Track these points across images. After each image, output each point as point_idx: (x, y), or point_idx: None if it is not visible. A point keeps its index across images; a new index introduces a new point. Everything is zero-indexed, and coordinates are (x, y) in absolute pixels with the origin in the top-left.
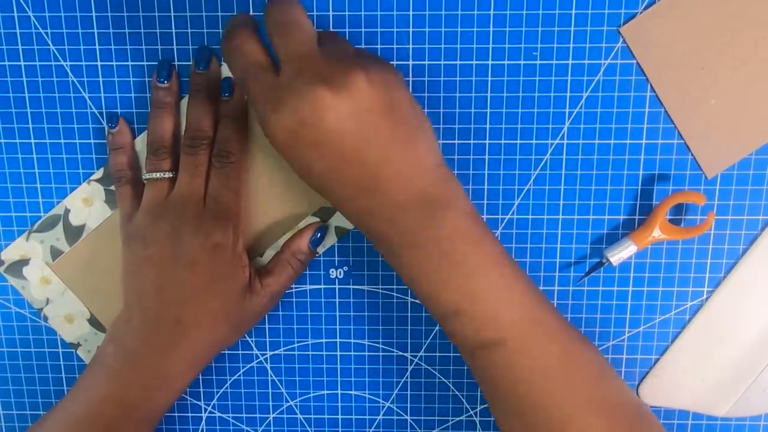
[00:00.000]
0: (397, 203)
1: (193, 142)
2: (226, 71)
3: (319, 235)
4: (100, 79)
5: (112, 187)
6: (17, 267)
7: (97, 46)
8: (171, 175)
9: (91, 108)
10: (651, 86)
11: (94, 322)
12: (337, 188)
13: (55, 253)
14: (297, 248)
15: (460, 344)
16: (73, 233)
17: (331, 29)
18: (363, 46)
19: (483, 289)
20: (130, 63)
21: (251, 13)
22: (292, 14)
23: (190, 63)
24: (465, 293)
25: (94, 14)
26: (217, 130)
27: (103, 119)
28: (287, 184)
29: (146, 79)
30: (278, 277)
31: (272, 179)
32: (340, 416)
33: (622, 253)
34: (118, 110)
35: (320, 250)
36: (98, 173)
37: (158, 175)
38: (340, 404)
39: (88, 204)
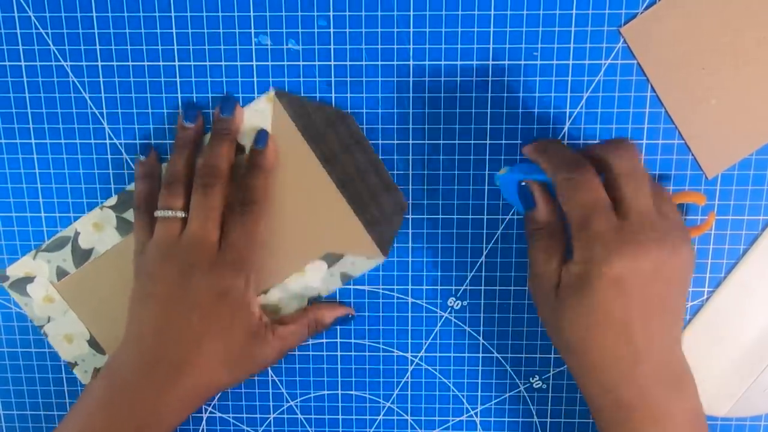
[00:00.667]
0: (649, 373)
1: (208, 180)
2: (258, 123)
3: (343, 318)
4: (101, 79)
5: (125, 215)
6: (22, 284)
7: (97, 46)
8: (183, 215)
9: (91, 108)
10: (651, 86)
11: (93, 343)
12: (623, 345)
13: (61, 273)
14: (321, 317)
15: None
16: (81, 255)
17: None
18: (363, 46)
19: None
20: (130, 63)
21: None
22: (641, 165)
23: (214, 110)
24: None
25: (94, 14)
26: (241, 176)
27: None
28: (296, 225)
29: (146, 79)
30: (291, 333)
31: (283, 220)
32: (340, 416)
33: None
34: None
35: (323, 294)
36: (112, 200)
37: (170, 213)
38: (340, 404)
39: (98, 229)
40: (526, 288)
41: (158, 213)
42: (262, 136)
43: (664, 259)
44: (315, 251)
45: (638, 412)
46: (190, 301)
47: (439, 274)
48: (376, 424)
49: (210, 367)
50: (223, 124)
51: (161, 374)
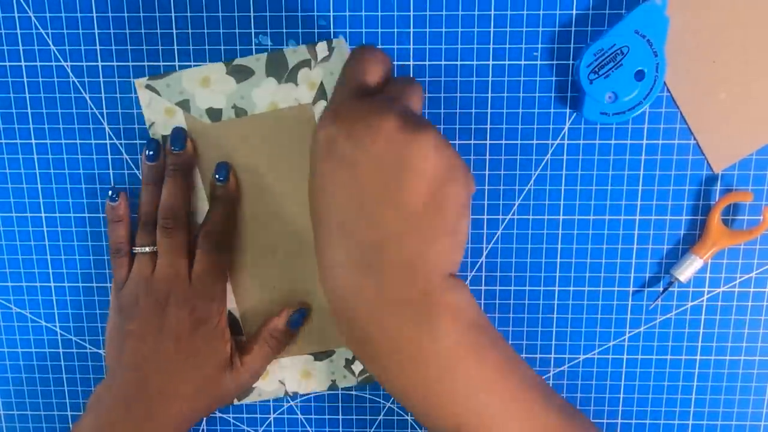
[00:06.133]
0: (395, 298)
1: (167, 222)
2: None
3: (297, 315)
4: (101, 79)
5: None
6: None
7: (98, 46)
8: (154, 249)
9: (91, 108)
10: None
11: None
12: (331, 229)
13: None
14: (274, 327)
15: None
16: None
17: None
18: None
19: (487, 404)
20: (130, 63)
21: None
22: (416, 82)
23: (167, 145)
24: (468, 408)
25: (94, 14)
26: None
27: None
28: (284, 274)
29: (146, 80)
30: (256, 356)
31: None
32: (340, 416)
33: (689, 270)
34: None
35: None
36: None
37: (146, 249)
38: (340, 404)
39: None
40: (526, 288)
41: (135, 249)
42: (221, 168)
43: (396, 132)
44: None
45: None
46: (166, 333)
47: None
48: (376, 424)
49: (187, 397)
50: (175, 159)
51: (144, 407)
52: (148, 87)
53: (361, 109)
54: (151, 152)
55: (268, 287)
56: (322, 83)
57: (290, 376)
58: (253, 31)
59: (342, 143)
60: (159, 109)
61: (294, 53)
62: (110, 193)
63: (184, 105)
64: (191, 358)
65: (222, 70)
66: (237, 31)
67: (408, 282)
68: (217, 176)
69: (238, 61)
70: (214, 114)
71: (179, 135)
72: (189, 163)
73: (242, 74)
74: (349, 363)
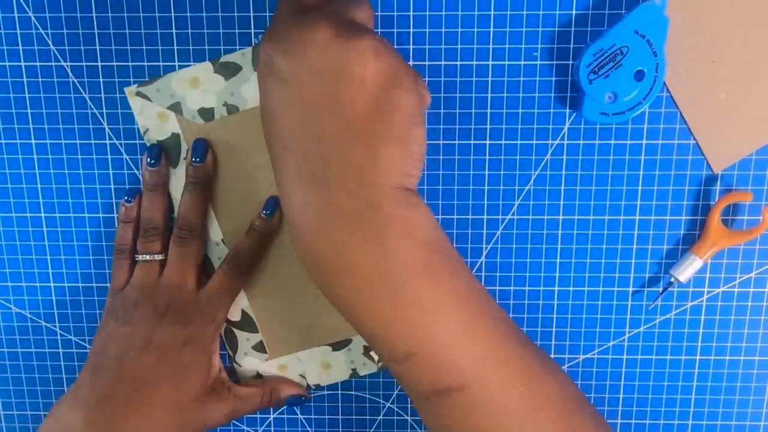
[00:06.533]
0: (341, 210)
1: (183, 233)
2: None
3: (296, 399)
4: (101, 79)
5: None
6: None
7: (98, 46)
8: (161, 257)
9: (91, 108)
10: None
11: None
12: (280, 149)
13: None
14: (277, 391)
15: (411, 390)
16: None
17: None
18: None
19: (440, 331)
20: (130, 63)
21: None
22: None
23: (186, 156)
24: (418, 334)
25: (94, 14)
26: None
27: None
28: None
29: (147, 79)
30: (248, 398)
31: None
32: (340, 416)
33: (689, 270)
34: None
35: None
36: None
37: (148, 257)
38: (340, 404)
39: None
40: (526, 288)
41: (139, 257)
42: (268, 203)
43: (331, 38)
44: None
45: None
46: (154, 343)
47: None
48: (376, 424)
49: (157, 414)
50: (195, 171)
51: (109, 412)
52: (138, 94)
53: (294, 24)
54: (152, 159)
55: (282, 284)
56: None
57: (310, 369)
58: (252, 31)
59: (279, 61)
60: (152, 115)
61: None
62: (125, 196)
63: (176, 108)
64: (170, 374)
65: (209, 69)
66: (237, 31)
67: (354, 192)
68: (263, 212)
69: (224, 58)
70: (207, 114)
71: (201, 147)
72: (209, 175)
73: (230, 71)
74: (367, 350)
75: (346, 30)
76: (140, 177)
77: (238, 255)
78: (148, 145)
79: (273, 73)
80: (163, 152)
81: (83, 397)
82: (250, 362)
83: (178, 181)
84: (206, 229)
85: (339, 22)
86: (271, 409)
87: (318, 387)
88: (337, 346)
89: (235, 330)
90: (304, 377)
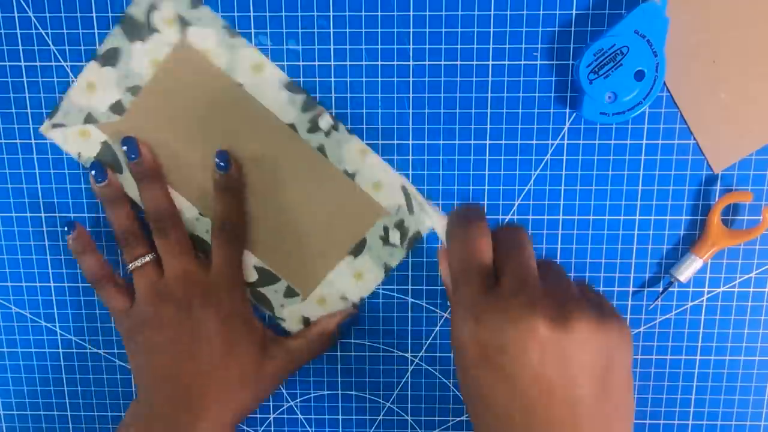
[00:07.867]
0: None
1: (161, 223)
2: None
3: (349, 320)
4: None
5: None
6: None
7: (98, 47)
8: (152, 256)
9: None
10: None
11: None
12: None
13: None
14: (325, 328)
15: None
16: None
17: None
18: (363, 46)
19: None
20: None
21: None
22: (522, 234)
23: (122, 157)
24: None
25: (94, 14)
26: (213, 198)
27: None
28: (315, 221)
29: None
30: (300, 348)
31: (299, 220)
32: (340, 416)
33: (689, 270)
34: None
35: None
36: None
37: (139, 262)
38: (340, 404)
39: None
40: None
41: (130, 267)
42: (221, 156)
43: (549, 335)
44: (341, 245)
45: None
46: (197, 335)
47: (439, 273)
48: (376, 424)
49: (231, 394)
50: (137, 167)
51: (186, 417)
52: (54, 126)
53: (503, 316)
54: (100, 177)
55: (277, 225)
56: (179, 15)
57: (346, 287)
58: (252, 31)
59: (496, 356)
60: (75, 138)
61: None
62: (66, 228)
63: (90, 119)
64: (226, 355)
65: (95, 66)
66: (236, 31)
67: None
68: (217, 167)
69: (99, 50)
70: (117, 107)
71: (131, 144)
72: (151, 165)
73: (113, 58)
74: (385, 240)
75: (561, 318)
76: (97, 198)
77: (220, 223)
78: (87, 167)
79: (488, 365)
80: (105, 165)
81: (153, 417)
82: (290, 312)
83: (130, 182)
84: (179, 210)
85: (549, 308)
86: (271, 409)
87: (363, 300)
88: (357, 251)
89: (260, 289)
90: (345, 298)
